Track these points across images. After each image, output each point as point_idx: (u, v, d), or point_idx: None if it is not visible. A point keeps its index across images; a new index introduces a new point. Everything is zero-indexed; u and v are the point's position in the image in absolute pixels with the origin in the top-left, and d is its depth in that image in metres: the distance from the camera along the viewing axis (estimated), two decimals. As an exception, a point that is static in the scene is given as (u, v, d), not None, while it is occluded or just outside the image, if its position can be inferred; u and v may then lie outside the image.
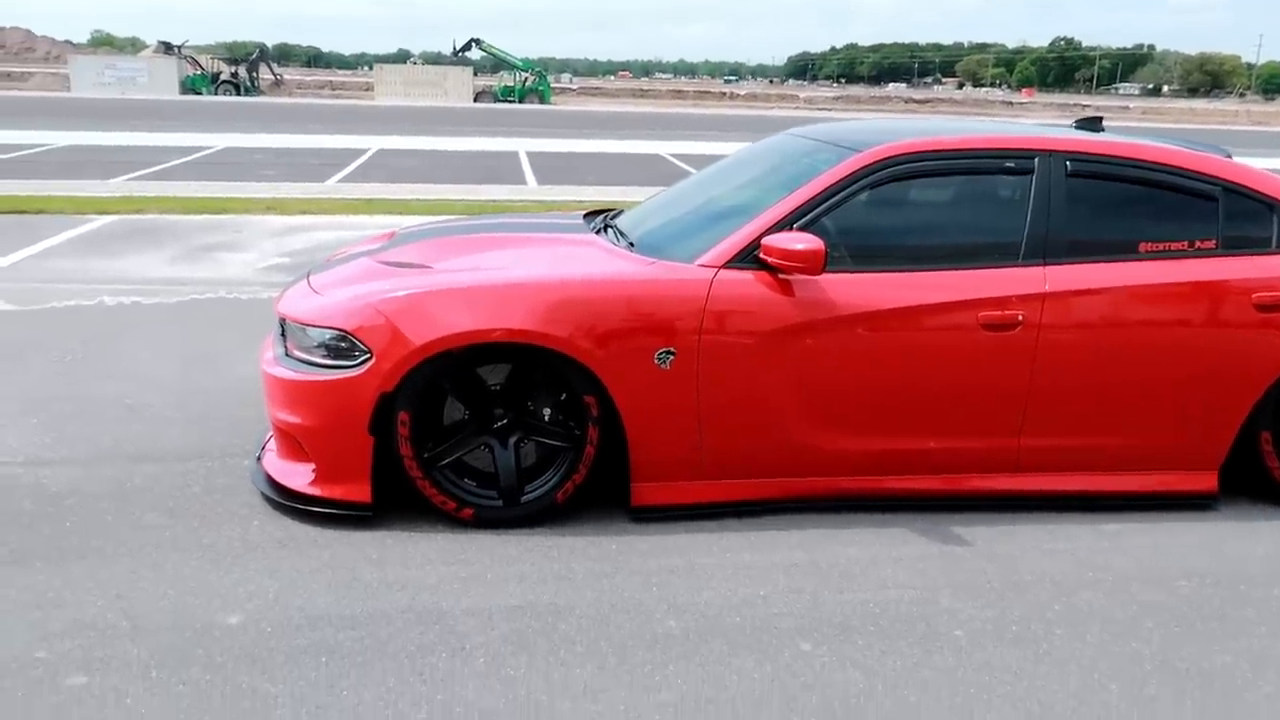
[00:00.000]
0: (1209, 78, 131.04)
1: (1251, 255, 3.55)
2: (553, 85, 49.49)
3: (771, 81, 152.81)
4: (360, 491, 3.26)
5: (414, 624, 2.74)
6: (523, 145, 19.33)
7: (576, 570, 3.07)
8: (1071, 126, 4.15)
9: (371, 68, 61.73)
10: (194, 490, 3.53)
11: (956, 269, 3.40)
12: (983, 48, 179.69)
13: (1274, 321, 3.49)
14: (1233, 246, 3.55)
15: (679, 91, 65.67)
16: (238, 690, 2.42)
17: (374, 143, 18.85)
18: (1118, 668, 2.66)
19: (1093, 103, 62.23)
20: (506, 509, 3.33)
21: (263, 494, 3.44)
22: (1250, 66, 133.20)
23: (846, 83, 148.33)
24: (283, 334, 3.45)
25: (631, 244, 3.62)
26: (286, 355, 3.36)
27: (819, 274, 3.21)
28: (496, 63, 46.96)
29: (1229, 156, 3.77)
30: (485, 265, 3.49)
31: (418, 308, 3.18)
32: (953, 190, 3.68)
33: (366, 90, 47.52)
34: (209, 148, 16.89)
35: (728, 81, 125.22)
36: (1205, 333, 3.49)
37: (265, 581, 2.93)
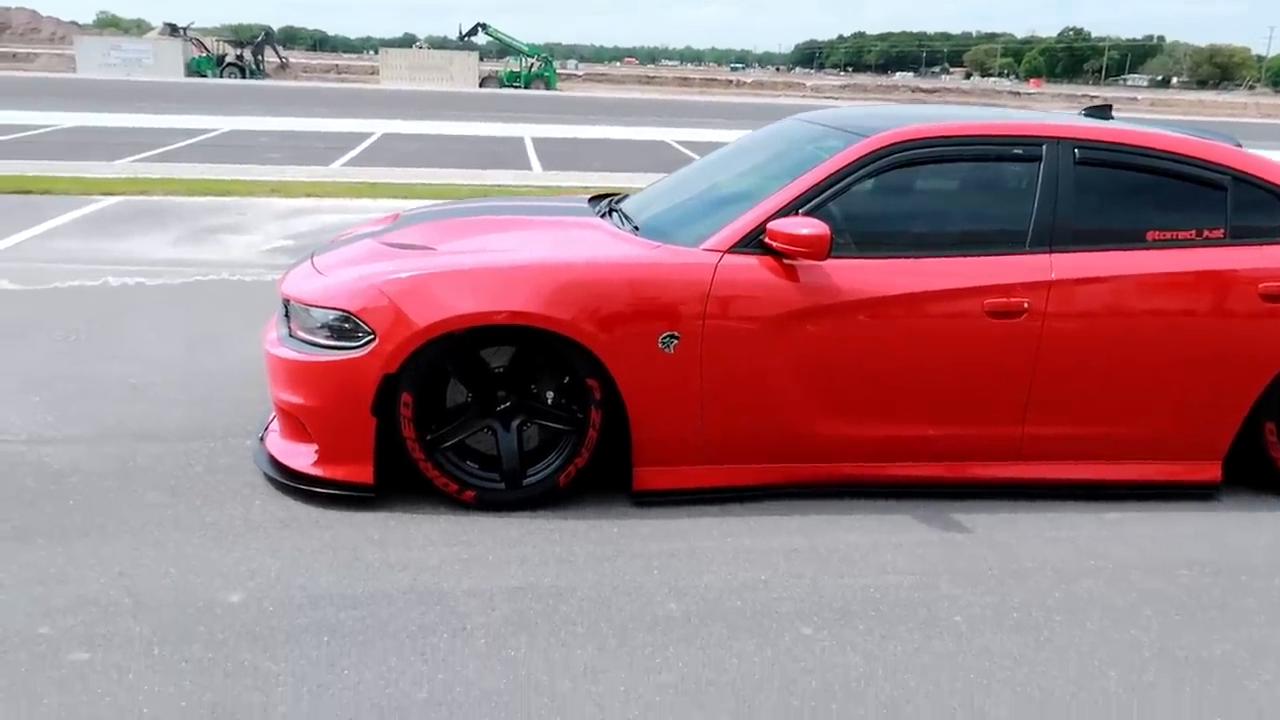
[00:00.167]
0: (1218, 70, 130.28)
1: (1260, 245, 3.53)
2: (558, 71, 49.32)
3: (778, 69, 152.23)
4: (362, 473, 3.26)
5: (415, 604, 2.75)
6: (528, 131, 19.28)
7: (578, 553, 3.08)
8: (1080, 114, 4.13)
9: (377, 51, 61.61)
10: (196, 470, 3.54)
11: (962, 256, 3.38)
12: (991, 37, 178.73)
13: (1280, 312, 3.47)
14: (1241, 236, 3.53)
15: (685, 79, 65.46)
16: (239, 668, 2.43)
17: (379, 127, 18.81)
18: (1117, 655, 2.66)
19: (1101, 94, 61.92)
20: (508, 492, 3.33)
21: (265, 474, 3.45)
22: (1260, 59, 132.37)
23: (854, 71, 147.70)
24: (286, 315, 3.44)
25: (636, 228, 3.61)
26: (290, 336, 3.36)
27: (824, 259, 3.20)
28: (502, 48, 46.81)
29: (1239, 146, 3.75)
30: (489, 247, 3.48)
31: (421, 289, 3.17)
32: (960, 176, 3.66)
33: (372, 74, 47.41)
34: (214, 130, 16.86)
35: (734, 69, 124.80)
36: (1211, 322, 3.48)
37: (267, 560, 2.94)
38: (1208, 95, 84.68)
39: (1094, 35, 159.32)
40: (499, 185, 11.40)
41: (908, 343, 3.34)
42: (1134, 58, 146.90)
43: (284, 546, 3.02)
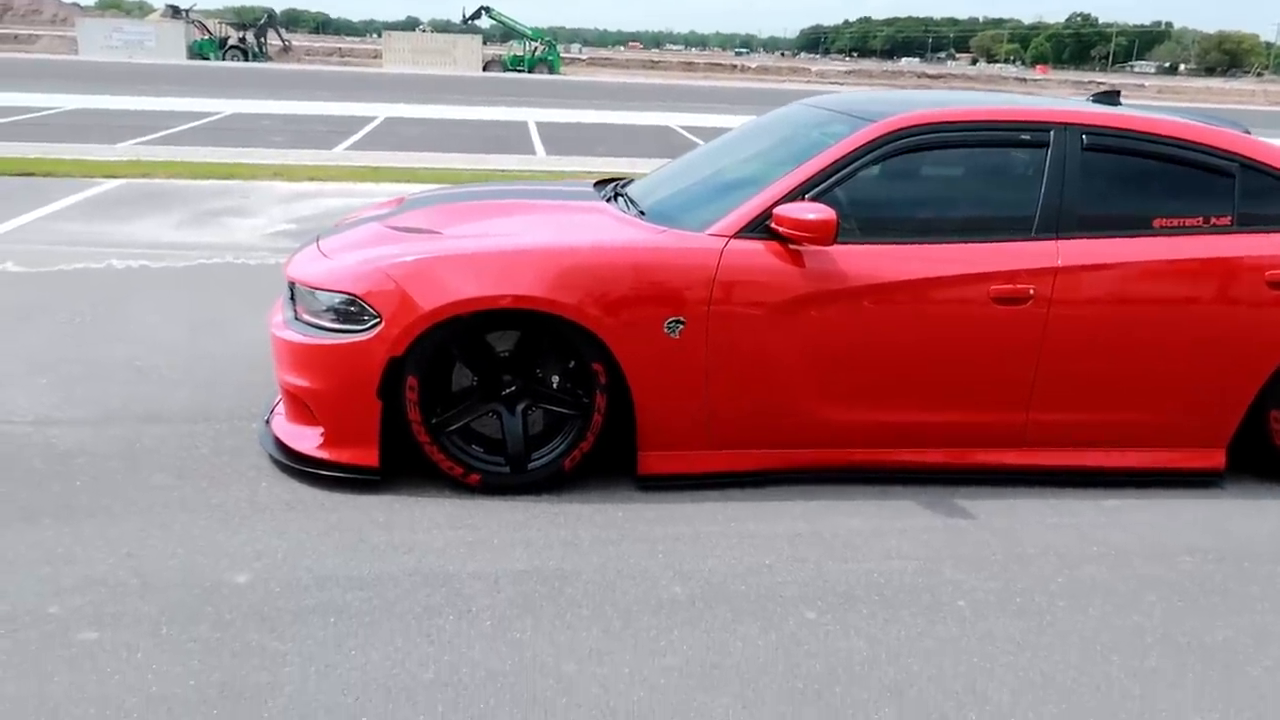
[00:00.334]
0: (1226, 57, 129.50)
1: (1267, 232, 3.52)
2: (562, 55, 49.10)
3: (783, 54, 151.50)
4: (368, 456, 3.27)
5: (421, 586, 2.76)
6: (532, 115, 19.21)
7: (583, 537, 3.09)
8: (1088, 100, 4.11)
9: (380, 35, 61.31)
10: (202, 452, 3.55)
11: (969, 242, 3.37)
12: (998, 23, 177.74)
13: (1287, 300, 3.46)
14: (1248, 223, 3.52)
15: (689, 63, 65.17)
16: (247, 647, 2.45)
17: (382, 111, 18.76)
18: (1120, 640, 2.67)
19: (1108, 80, 61.57)
20: (513, 476, 3.34)
21: (271, 456, 3.46)
22: (1269, 46, 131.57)
23: (859, 56, 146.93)
24: (292, 298, 3.45)
25: (642, 212, 3.60)
26: (295, 319, 3.36)
27: (830, 245, 3.19)
28: (506, 31, 46.60)
29: (1247, 133, 3.73)
30: (495, 231, 3.48)
31: (427, 273, 3.17)
32: (966, 162, 3.64)
33: (375, 58, 47.22)
34: (216, 113, 16.81)
35: (739, 54, 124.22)
36: (1217, 310, 3.48)
37: (273, 542, 2.95)
38: (1215, 82, 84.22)
39: (1101, 21, 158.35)
40: (502, 170, 11.37)
41: (913, 328, 3.33)
42: (1141, 44, 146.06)
43: (290, 528, 3.04)
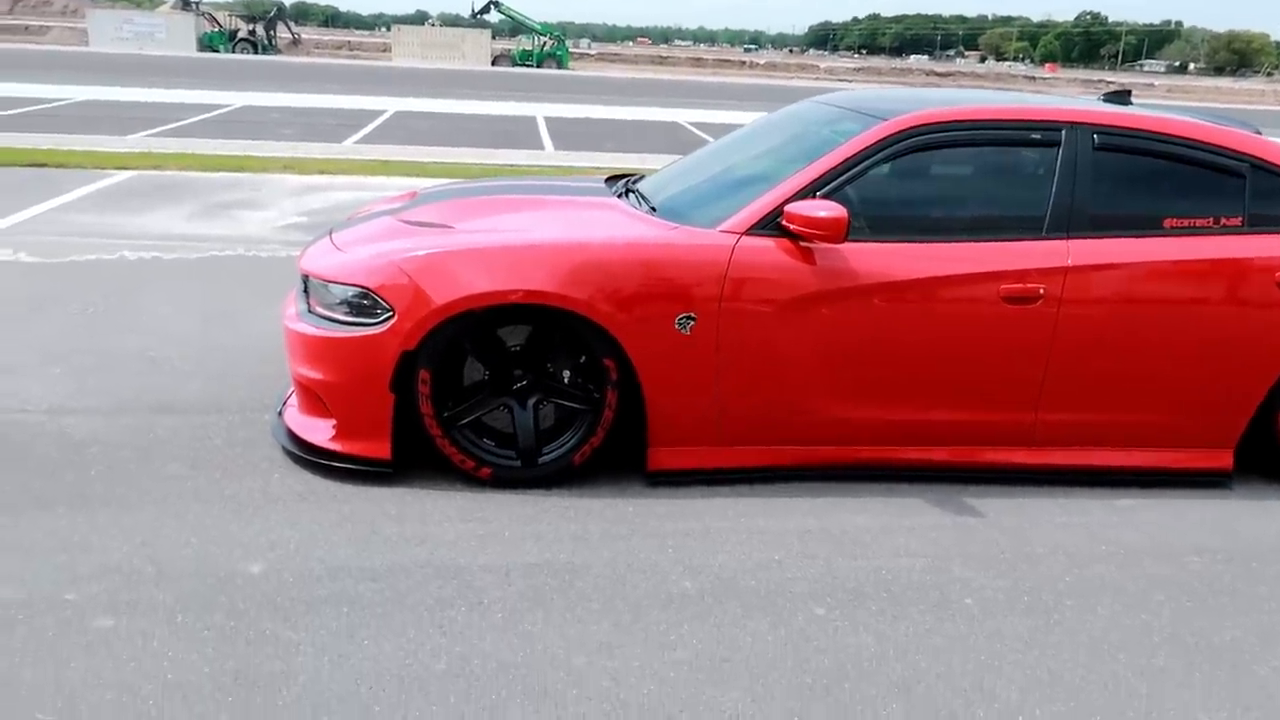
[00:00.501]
0: (1236, 56, 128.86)
1: (1278, 234, 3.52)
2: (571, 50, 49.07)
3: (791, 51, 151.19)
4: (380, 448, 3.29)
5: (433, 578, 2.78)
6: (540, 110, 19.22)
7: (593, 531, 3.11)
8: (1099, 99, 4.11)
9: (389, 28, 61.36)
10: (215, 443, 3.57)
11: (979, 241, 3.38)
12: (1007, 21, 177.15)
13: (1297, 301, 3.47)
14: (1259, 224, 3.52)
15: (698, 59, 65.06)
16: (260, 636, 2.47)
17: (391, 104, 18.78)
18: (1128, 639, 2.68)
19: (1117, 79, 61.34)
20: (524, 469, 3.36)
21: (283, 448, 3.48)
22: (1279, 45, 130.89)
23: (868, 54, 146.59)
24: (305, 291, 3.47)
25: (653, 208, 3.62)
26: (309, 312, 3.38)
27: (841, 242, 3.20)
28: (515, 26, 46.57)
29: (1258, 133, 3.73)
30: (507, 226, 3.49)
31: (440, 267, 3.19)
32: (977, 161, 3.65)
33: (384, 51, 47.27)
34: (226, 106, 16.85)
35: (747, 50, 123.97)
36: (1227, 310, 3.48)
37: (286, 533, 2.98)
38: (1225, 82, 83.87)
39: (1111, 20, 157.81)
40: (511, 164, 11.39)
41: (923, 327, 3.34)
42: (1151, 43, 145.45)
43: (303, 519, 3.06)
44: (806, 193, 3.31)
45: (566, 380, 3.39)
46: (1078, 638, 2.68)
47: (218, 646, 2.42)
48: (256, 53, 40.68)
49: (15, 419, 3.68)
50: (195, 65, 29.69)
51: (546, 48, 43.60)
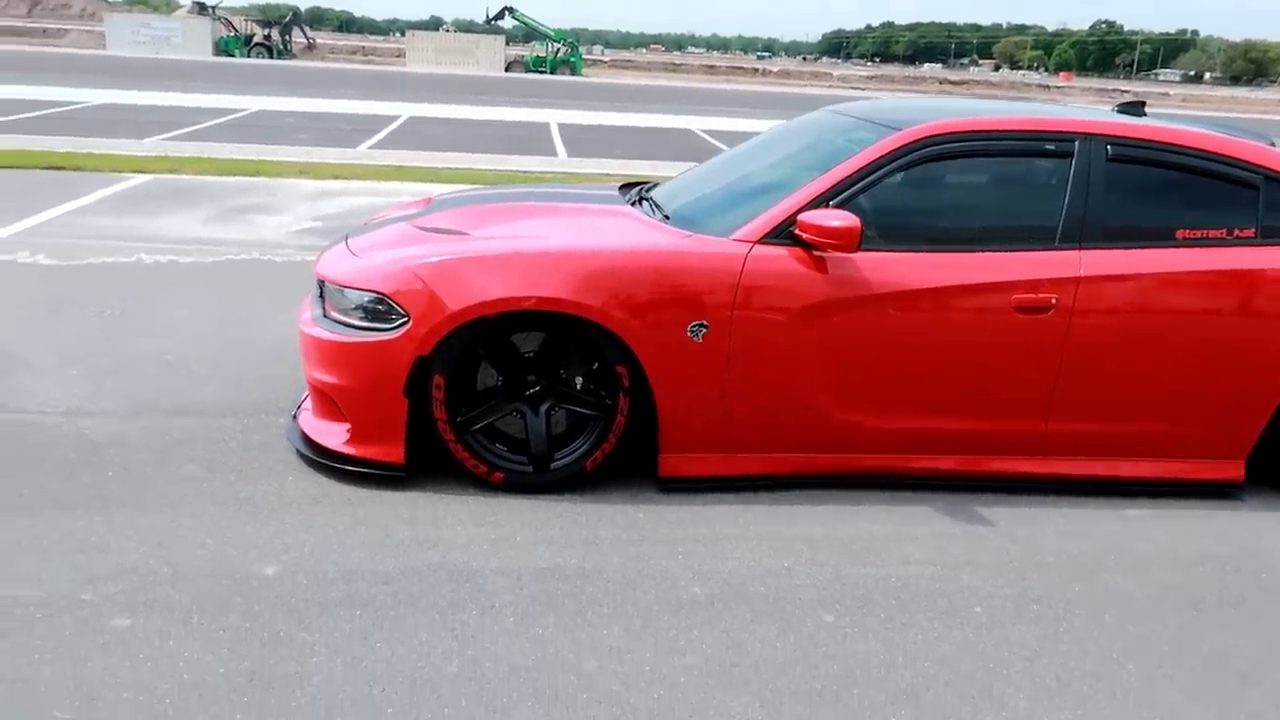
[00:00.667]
0: (1253, 65, 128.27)
1: (1290, 245, 3.52)
2: (584, 56, 49.21)
3: (805, 58, 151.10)
4: (394, 452, 3.32)
5: (445, 581, 2.81)
6: (554, 116, 19.29)
7: (604, 536, 3.13)
8: (1113, 110, 4.12)
9: (403, 34, 61.72)
10: (231, 445, 3.61)
11: (991, 251, 3.39)
12: (1021, 29, 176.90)
13: (1310, 313, 3.46)
14: (1272, 236, 3.52)
15: (711, 66, 65.13)
16: (275, 638, 2.50)
17: (405, 110, 18.88)
18: (1136, 649, 2.69)
19: (1132, 88, 61.15)
20: (536, 475, 3.39)
21: (298, 451, 3.52)
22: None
23: (881, 62, 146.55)
24: (321, 295, 3.50)
25: (667, 216, 3.64)
26: (324, 316, 3.42)
27: (854, 252, 3.22)
28: (529, 32, 46.73)
29: (1272, 145, 3.73)
30: (521, 233, 3.52)
31: (454, 273, 3.22)
32: (990, 171, 3.67)
33: (398, 57, 47.48)
34: (242, 110, 16.98)
35: (760, 57, 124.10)
36: (1239, 322, 3.48)
37: (300, 535, 3.01)
38: (1241, 91, 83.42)
39: (1126, 29, 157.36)
40: (524, 170, 11.44)
41: (935, 336, 3.36)
42: (1166, 52, 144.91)
43: (317, 522, 3.09)
44: (819, 202, 3.33)
45: (579, 386, 3.42)
46: (1086, 646, 2.68)
47: (233, 647, 2.45)
48: (272, 57, 40.95)
49: (33, 420, 3.73)
50: (211, 69, 29.91)
51: (560, 54, 43.75)
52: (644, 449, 3.45)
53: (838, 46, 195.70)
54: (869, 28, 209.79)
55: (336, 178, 10.08)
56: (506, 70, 42.27)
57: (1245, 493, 3.70)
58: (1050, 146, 3.51)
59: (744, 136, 4.66)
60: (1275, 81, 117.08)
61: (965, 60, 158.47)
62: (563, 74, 42.11)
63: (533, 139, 15.29)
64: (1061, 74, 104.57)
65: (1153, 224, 3.51)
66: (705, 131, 18.08)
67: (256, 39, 42.03)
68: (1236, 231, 3.52)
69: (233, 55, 40.20)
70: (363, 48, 57.37)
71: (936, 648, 2.64)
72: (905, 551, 3.15)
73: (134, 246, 6.54)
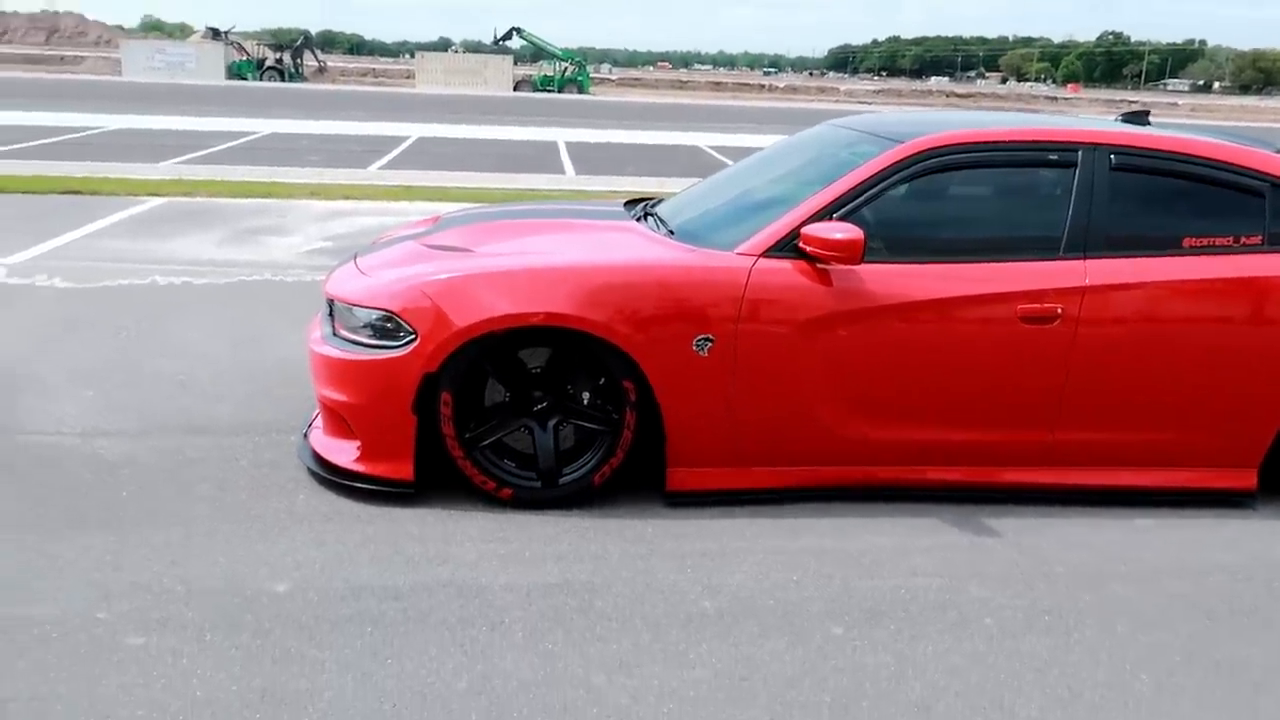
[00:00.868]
0: (1262, 75, 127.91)
1: (1297, 253, 3.51)
2: (592, 75, 49.55)
3: (811, 74, 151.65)
4: (403, 469, 3.35)
5: (455, 597, 2.82)
6: (561, 135, 19.42)
7: (612, 551, 3.14)
8: (1117, 120, 4.13)
9: (413, 55, 62.26)
10: (243, 464, 3.64)
11: (996, 261, 3.40)
12: (1028, 41, 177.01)
13: (1318, 320, 3.45)
14: (1279, 242, 3.52)
15: (718, 83, 65.47)
16: (286, 654, 2.52)
17: (415, 130, 19.04)
18: (1147, 658, 2.68)
19: (1140, 99, 61.08)
20: (545, 490, 3.40)
21: (309, 469, 3.55)
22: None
23: (888, 75, 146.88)
24: (330, 314, 3.54)
25: (671, 231, 3.67)
26: (334, 335, 3.46)
27: (858, 264, 3.24)
28: (536, 52, 47.16)
29: (1278, 152, 3.73)
30: (527, 250, 3.56)
31: (461, 290, 3.25)
32: (994, 182, 3.68)
33: (408, 78, 47.90)
34: (254, 133, 17.16)
35: (767, 73, 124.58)
36: (1247, 329, 3.47)
37: (311, 552, 3.03)
38: (1250, 100, 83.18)
39: (1133, 39, 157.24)
40: (532, 189, 11.51)
41: (940, 347, 3.36)
42: (1174, 62, 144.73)
43: (327, 539, 3.12)
44: (823, 215, 3.35)
45: (586, 401, 3.44)
46: (1097, 657, 2.67)
47: (245, 664, 2.47)
48: (283, 80, 41.39)
49: (50, 440, 3.77)
50: (224, 93, 30.24)
51: (568, 73, 44.07)
52: (651, 463, 3.47)
53: (844, 61, 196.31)
54: (875, 42, 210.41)
55: (347, 198, 10.17)
56: (514, 90, 42.60)
57: (1257, 501, 3.68)
58: (1053, 156, 3.52)
59: (751, 152, 4.68)
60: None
61: (972, 73, 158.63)
62: (570, 93, 42.39)
63: (541, 157, 15.39)
64: (1069, 85, 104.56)
65: (1158, 232, 3.51)
66: (712, 148, 18.15)
67: (269, 63, 42.53)
68: (1243, 239, 3.52)
69: (245, 79, 40.66)
70: (373, 70, 57.92)
71: (947, 659, 2.64)
72: (913, 563, 3.14)
73: (149, 269, 6.61)
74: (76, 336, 5.10)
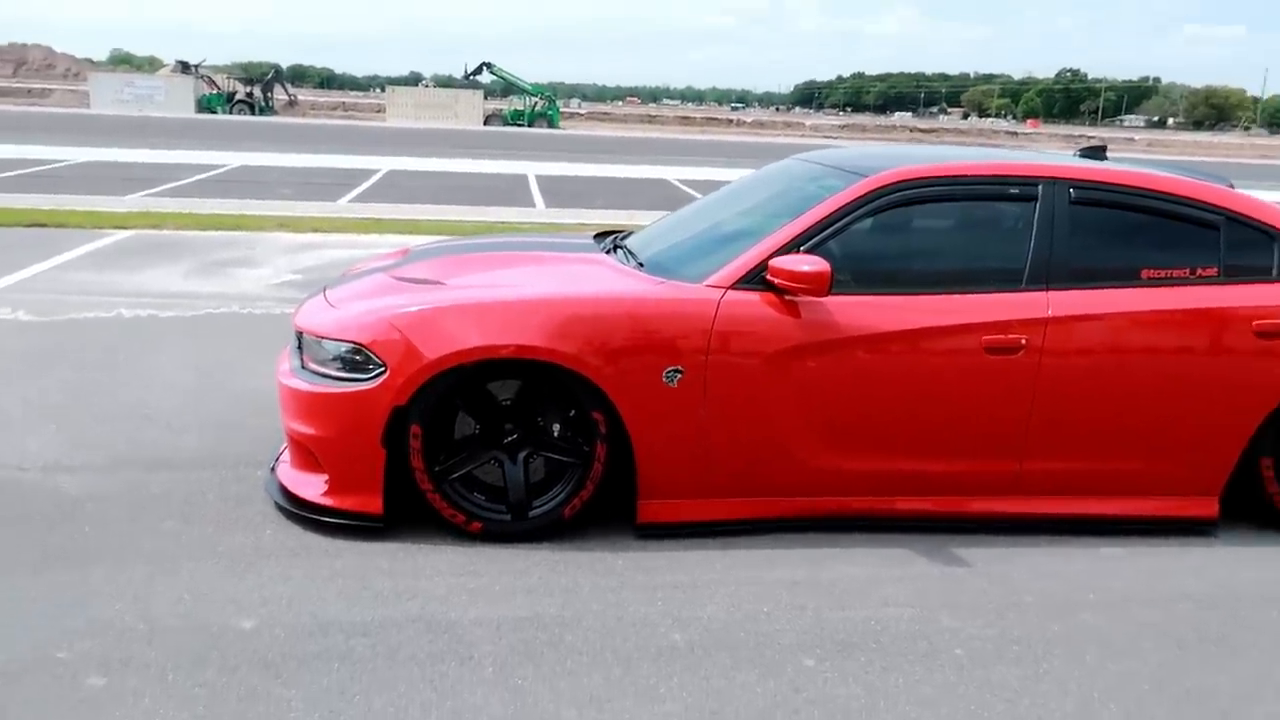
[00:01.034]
0: (1214, 111, 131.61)
1: (1252, 283, 3.61)
2: (561, 110, 49.91)
3: (778, 109, 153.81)
4: (372, 503, 3.31)
5: (424, 633, 2.79)
6: (531, 168, 19.51)
7: (583, 584, 3.12)
8: (1076, 155, 4.23)
9: (383, 89, 62.38)
10: (209, 498, 3.59)
11: (960, 293, 3.46)
12: (989, 79, 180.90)
13: (1274, 349, 3.54)
14: (1234, 274, 3.61)
15: (686, 118, 66.20)
16: (252, 693, 2.47)
17: (385, 164, 19.04)
18: (1116, 687, 2.69)
19: (1098, 134, 62.55)
20: (515, 523, 3.38)
21: (276, 503, 3.50)
22: (1256, 100, 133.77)
23: (852, 111, 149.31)
24: (299, 347, 3.52)
25: (641, 264, 3.69)
26: (302, 368, 3.43)
27: (825, 296, 3.28)
28: (507, 87, 47.41)
29: (1231, 186, 3.84)
30: (497, 282, 3.56)
31: (431, 323, 3.25)
32: (958, 215, 3.75)
33: (378, 112, 47.98)
34: (223, 166, 17.08)
35: (734, 108, 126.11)
36: (1206, 359, 3.55)
37: (278, 588, 2.98)
38: (1204, 136, 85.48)
39: (1090, 76, 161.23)
40: (503, 222, 11.54)
41: (907, 378, 3.40)
42: (1130, 99, 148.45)
43: (295, 574, 3.07)
44: (790, 247, 3.39)
45: (556, 434, 3.43)
46: (1066, 686, 2.69)
47: (209, 705, 2.42)
48: (254, 114, 41.30)
49: (11, 476, 3.70)
50: (194, 126, 30.10)
51: (538, 108, 44.36)
52: (623, 495, 3.46)
53: (810, 97, 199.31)
54: (840, 78, 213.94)
55: (316, 231, 10.13)
56: (485, 124, 42.77)
57: (1220, 529, 3.73)
58: (1015, 190, 3.59)
59: (719, 185, 4.73)
60: (1236, 126, 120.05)
61: (935, 109, 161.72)
62: (540, 127, 42.66)
63: (511, 190, 15.44)
64: (1029, 121, 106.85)
65: (1117, 264, 3.59)
66: (681, 181, 18.32)
67: (239, 96, 42.45)
68: (1199, 270, 3.60)
69: (215, 112, 40.52)
70: (343, 103, 57.98)
71: (918, 690, 2.64)
72: (885, 594, 3.15)
73: (114, 301, 6.54)
74: (39, 370, 5.01)
